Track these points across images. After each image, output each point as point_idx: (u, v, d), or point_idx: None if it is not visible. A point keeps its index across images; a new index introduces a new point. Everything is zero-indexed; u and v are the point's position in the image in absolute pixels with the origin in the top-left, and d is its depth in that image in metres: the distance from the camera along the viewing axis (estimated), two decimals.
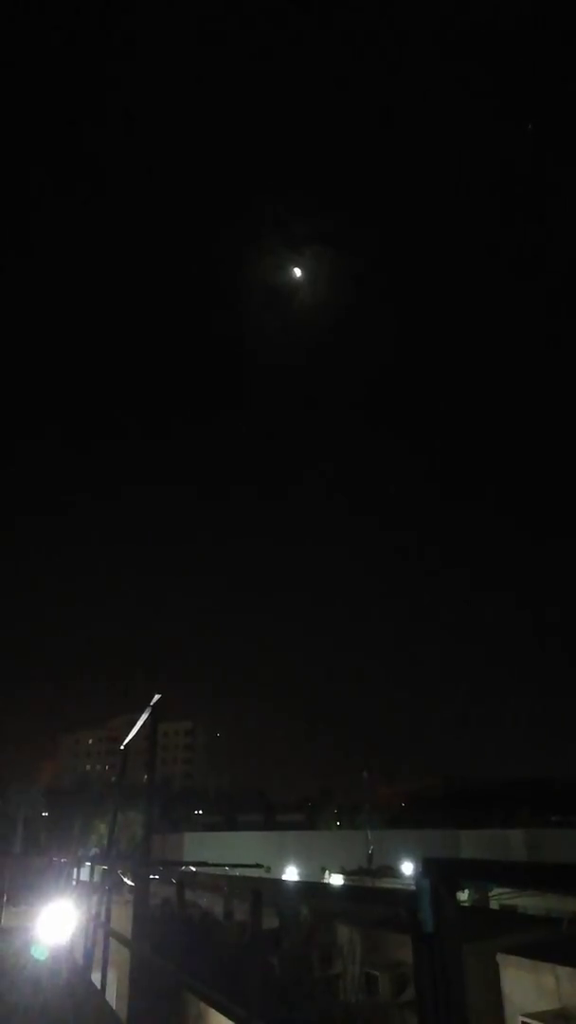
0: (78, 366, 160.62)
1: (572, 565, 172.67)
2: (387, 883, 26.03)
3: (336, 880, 31.76)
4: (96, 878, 14.16)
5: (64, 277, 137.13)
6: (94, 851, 43.66)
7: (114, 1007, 9.15)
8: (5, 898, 20.37)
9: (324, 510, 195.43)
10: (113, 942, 9.83)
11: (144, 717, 9.04)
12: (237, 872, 22.20)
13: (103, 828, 51.19)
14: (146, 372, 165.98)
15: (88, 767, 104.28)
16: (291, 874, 36.22)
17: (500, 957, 10.67)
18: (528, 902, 18.17)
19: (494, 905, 19.32)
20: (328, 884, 21.65)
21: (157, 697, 8.36)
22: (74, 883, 17.16)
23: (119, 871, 11.74)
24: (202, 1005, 6.05)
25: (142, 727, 9.66)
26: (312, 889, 10.10)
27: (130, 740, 11.99)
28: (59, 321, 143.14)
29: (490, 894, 17.91)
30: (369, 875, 34.13)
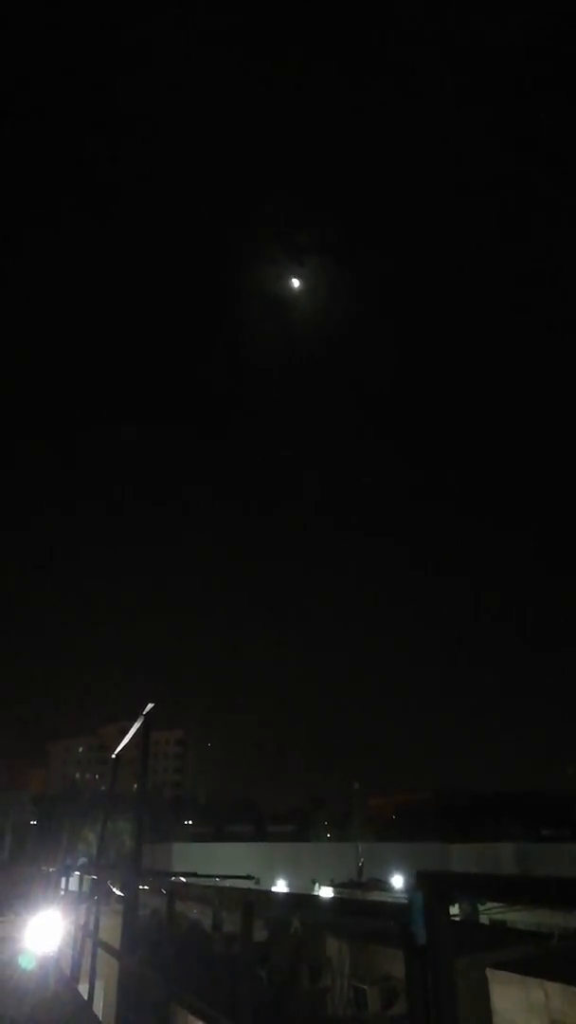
0: (73, 369, 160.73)
1: (566, 580, 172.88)
2: (376, 896, 25.86)
3: (326, 892, 31.54)
4: (85, 888, 14.05)
5: (67, 285, 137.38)
6: (83, 860, 43.30)
7: (101, 1018, 9.07)
8: None
9: (318, 521, 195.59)
10: (101, 953, 9.75)
11: (137, 726, 9.00)
12: (227, 883, 22.05)
13: (92, 837, 50.79)
14: (144, 379, 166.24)
15: (78, 775, 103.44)
16: (281, 886, 35.96)
17: (490, 972, 10.61)
18: (517, 917, 18.11)
19: (484, 919, 19.21)
20: (318, 896, 21.48)
21: (150, 706, 8.33)
22: (62, 892, 17.03)
23: (108, 881, 11.66)
24: (190, 1018, 6.00)
25: (134, 736, 9.62)
26: (302, 901, 10.03)
27: (121, 749, 11.93)
28: (60, 326, 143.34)
29: (481, 908, 17.82)
30: (359, 888, 33.89)
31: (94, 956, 9.92)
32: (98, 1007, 9.78)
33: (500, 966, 10.63)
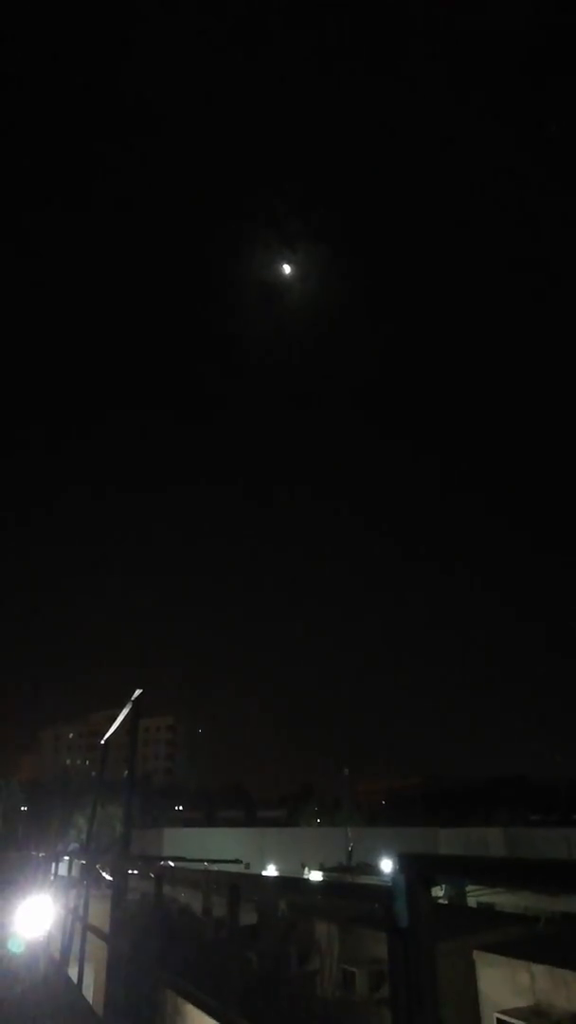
0: (66, 360, 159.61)
1: (557, 568, 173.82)
2: (365, 880, 26.11)
3: (315, 877, 31.83)
4: (75, 873, 14.10)
5: (56, 272, 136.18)
6: (73, 846, 43.48)
7: (90, 1001, 9.13)
8: None
9: (311, 509, 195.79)
10: (90, 937, 9.80)
11: (125, 712, 9.00)
12: (216, 868, 22.18)
13: (82, 823, 50.97)
14: (137, 370, 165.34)
15: (68, 761, 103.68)
16: (271, 870, 36.23)
17: (477, 954, 10.75)
18: (505, 899, 18.36)
19: (471, 902, 19.45)
20: (306, 880, 21.63)
21: (138, 692, 8.33)
22: (52, 877, 17.09)
23: (98, 866, 11.70)
24: (179, 1000, 6.05)
25: (123, 722, 9.63)
26: (290, 884, 10.11)
27: (111, 735, 11.95)
28: (48, 316, 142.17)
29: (467, 891, 18.03)
30: (348, 872, 34.22)
31: (84, 940, 9.97)
32: (88, 991, 9.84)
33: (487, 948, 10.77)
